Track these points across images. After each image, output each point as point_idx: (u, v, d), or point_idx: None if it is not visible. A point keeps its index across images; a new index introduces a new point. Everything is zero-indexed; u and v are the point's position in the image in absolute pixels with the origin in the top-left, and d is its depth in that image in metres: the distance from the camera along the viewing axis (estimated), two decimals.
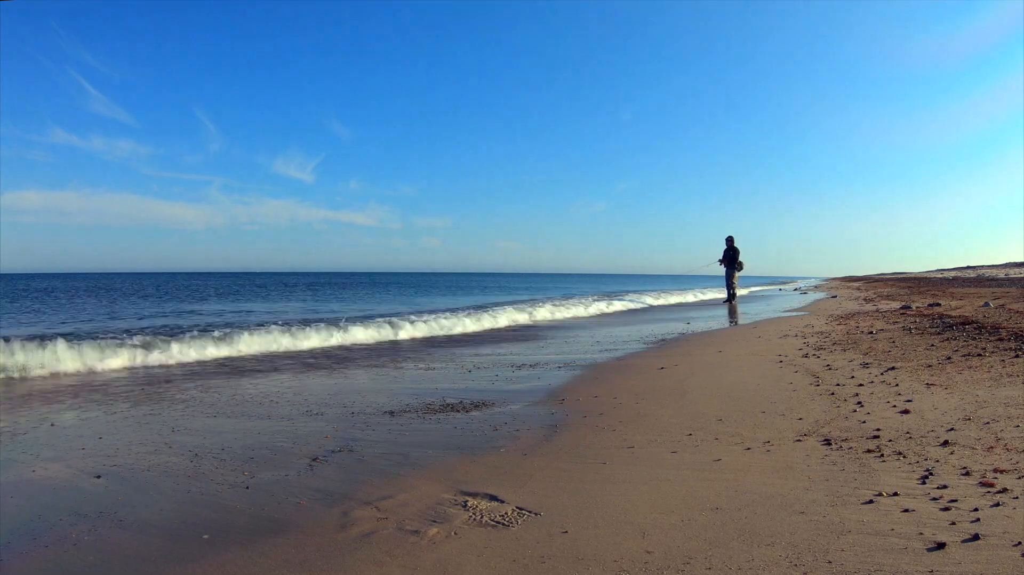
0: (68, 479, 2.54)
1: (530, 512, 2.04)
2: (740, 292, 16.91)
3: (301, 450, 2.91)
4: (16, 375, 5.24)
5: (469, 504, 2.14)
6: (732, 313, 13.08)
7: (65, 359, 5.57)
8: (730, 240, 16.36)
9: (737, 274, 16.26)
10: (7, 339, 5.61)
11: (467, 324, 10.09)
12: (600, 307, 15.70)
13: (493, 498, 2.19)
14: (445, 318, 10.27)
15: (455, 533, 1.90)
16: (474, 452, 2.83)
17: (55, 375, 5.35)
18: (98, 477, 2.55)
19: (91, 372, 5.55)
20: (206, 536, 1.94)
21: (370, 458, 2.76)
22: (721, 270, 16.68)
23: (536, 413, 3.59)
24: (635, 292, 22.97)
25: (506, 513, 2.04)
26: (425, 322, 9.66)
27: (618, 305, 16.94)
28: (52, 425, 3.50)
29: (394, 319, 9.67)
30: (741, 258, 16.47)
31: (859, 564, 1.55)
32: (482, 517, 2.02)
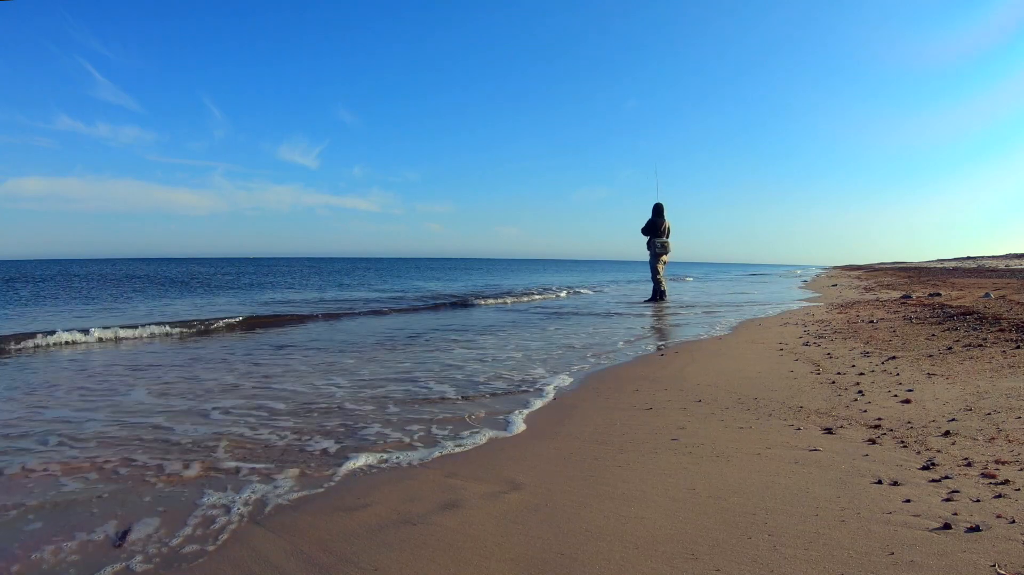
0: None
1: (540, 493, 2.04)
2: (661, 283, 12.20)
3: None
4: None
5: (479, 488, 2.14)
6: (660, 327, 7.80)
7: None
8: (657, 209, 11.54)
9: (664, 261, 11.67)
10: None
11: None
12: None
13: (504, 481, 2.19)
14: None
15: (468, 515, 1.89)
16: (484, 435, 2.82)
17: None
18: None
19: None
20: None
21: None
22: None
23: (537, 398, 3.58)
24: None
25: (518, 495, 2.04)
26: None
27: None
28: None
29: None
30: (670, 237, 11.65)
31: (860, 552, 1.54)
32: (494, 499, 2.01)
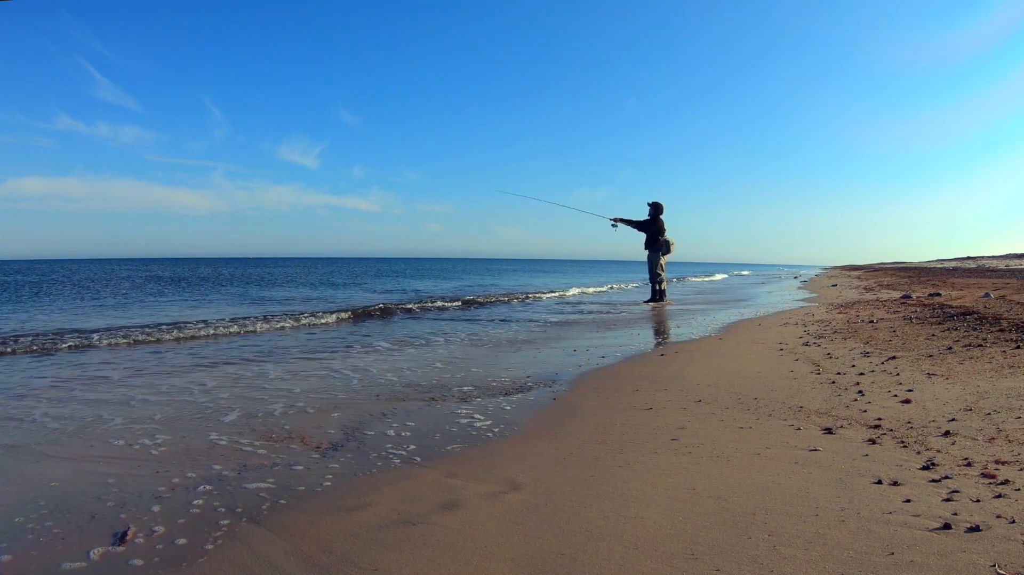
0: None
1: (540, 493, 2.04)
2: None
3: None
4: None
5: (479, 488, 2.14)
6: (660, 327, 7.66)
7: None
8: (656, 209, 11.62)
9: (664, 260, 11.73)
10: None
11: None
12: None
13: (504, 481, 2.19)
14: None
15: (468, 515, 1.89)
16: (485, 436, 2.83)
17: None
18: None
19: None
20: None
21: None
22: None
23: (538, 399, 3.59)
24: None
25: (518, 495, 2.04)
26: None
27: None
28: None
29: None
30: (669, 235, 11.68)
31: (860, 552, 1.54)
32: (494, 499, 2.01)
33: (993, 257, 40.39)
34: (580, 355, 5.26)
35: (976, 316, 5.72)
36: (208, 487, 2.23)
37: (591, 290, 17.47)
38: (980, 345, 4.22)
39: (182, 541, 1.80)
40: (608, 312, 10.01)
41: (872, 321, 6.38)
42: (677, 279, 26.33)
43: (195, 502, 2.09)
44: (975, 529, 1.62)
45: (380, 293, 15.64)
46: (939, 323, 5.59)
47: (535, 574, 1.54)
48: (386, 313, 9.95)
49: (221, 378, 4.36)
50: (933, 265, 33.00)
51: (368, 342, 6.38)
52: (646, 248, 11.97)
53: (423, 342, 6.34)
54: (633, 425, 2.93)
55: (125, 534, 1.85)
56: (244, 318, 8.43)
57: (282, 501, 2.10)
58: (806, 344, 5.16)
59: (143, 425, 3.09)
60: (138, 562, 1.68)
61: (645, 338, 6.53)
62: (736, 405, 3.22)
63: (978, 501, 1.79)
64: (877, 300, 9.35)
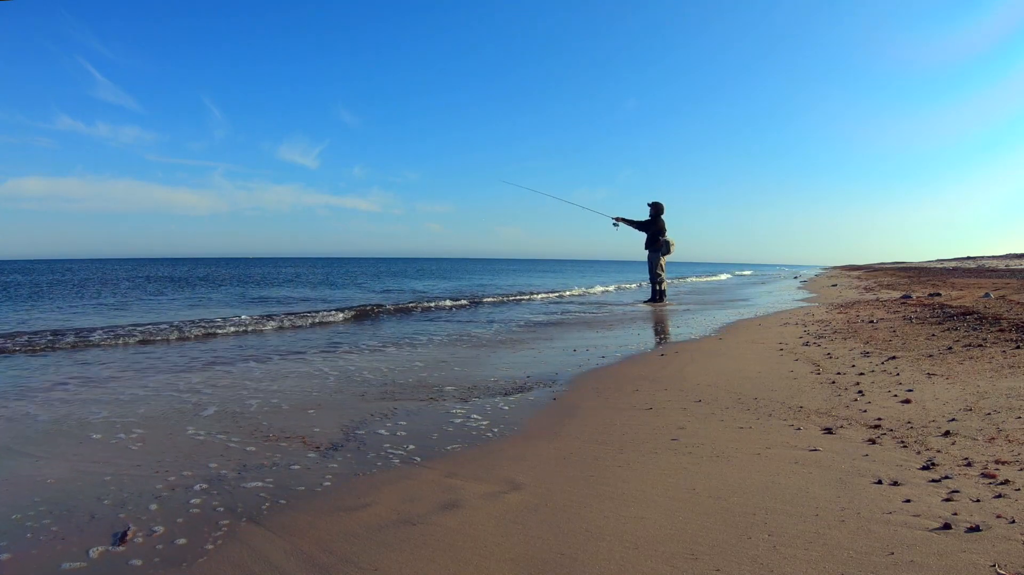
0: None
1: (540, 493, 2.04)
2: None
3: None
4: None
5: (479, 488, 2.14)
6: (660, 327, 7.64)
7: None
8: (656, 209, 11.68)
9: (664, 260, 11.78)
10: None
11: None
12: None
13: (504, 481, 2.19)
14: None
15: (468, 515, 1.89)
16: (484, 436, 2.83)
17: None
18: None
19: None
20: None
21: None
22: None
23: (537, 399, 3.59)
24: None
25: (517, 495, 2.04)
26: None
27: None
28: None
29: None
30: (669, 235, 11.76)
31: (860, 552, 1.54)
32: (494, 499, 2.01)
33: (993, 257, 40.38)
34: (580, 355, 5.26)
35: (976, 316, 5.72)
36: (206, 486, 2.23)
37: (591, 290, 17.47)
38: (980, 345, 4.22)
39: (182, 541, 1.80)
40: (608, 312, 10.01)
41: (872, 321, 6.38)
42: (678, 279, 26.34)
43: (193, 501, 2.10)
44: (975, 529, 1.62)
45: (379, 293, 15.64)
46: (939, 323, 5.59)
47: (535, 574, 1.54)
48: (385, 313, 9.95)
49: (219, 378, 4.36)
50: (933, 265, 33.00)
51: (367, 342, 6.38)
52: (646, 248, 12.05)
53: (412, 343, 6.34)
54: (633, 425, 2.93)
55: (125, 534, 1.85)
56: (241, 318, 8.43)
57: (282, 501, 2.10)
58: (806, 344, 5.16)
59: (140, 424, 3.09)
60: (138, 562, 1.68)
61: (645, 338, 6.53)
62: (736, 405, 3.22)
63: (978, 501, 1.79)
64: (877, 300, 9.35)
